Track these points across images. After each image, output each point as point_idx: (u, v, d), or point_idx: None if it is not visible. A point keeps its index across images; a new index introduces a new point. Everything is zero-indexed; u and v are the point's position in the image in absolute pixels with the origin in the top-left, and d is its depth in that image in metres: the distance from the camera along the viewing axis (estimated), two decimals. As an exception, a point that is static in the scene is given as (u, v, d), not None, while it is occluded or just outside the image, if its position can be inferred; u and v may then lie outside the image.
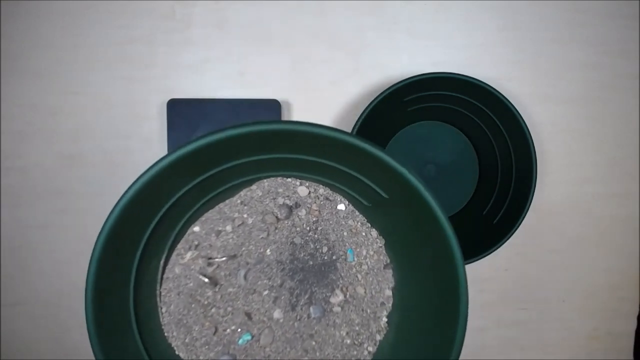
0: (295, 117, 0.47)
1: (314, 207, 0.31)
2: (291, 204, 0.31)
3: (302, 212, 0.31)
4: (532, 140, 0.42)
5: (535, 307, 0.49)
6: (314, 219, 0.31)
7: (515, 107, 0.41)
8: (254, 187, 0.31)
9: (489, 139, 0.46)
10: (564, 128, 0.48)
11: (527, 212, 0.42)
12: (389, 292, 0.30)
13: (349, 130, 0.42)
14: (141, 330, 0.27)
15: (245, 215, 0.30)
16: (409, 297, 0.29)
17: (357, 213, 0.31)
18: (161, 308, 0.29)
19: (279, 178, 0.31)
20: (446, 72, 0.41)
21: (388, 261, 0.31)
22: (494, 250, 0.41)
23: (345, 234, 0.31)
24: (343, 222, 0.31)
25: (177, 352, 0.28)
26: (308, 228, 0.31)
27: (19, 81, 0.45)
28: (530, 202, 0.42)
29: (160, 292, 0.29)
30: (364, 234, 0.31)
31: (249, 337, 0.29)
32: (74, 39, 0.45)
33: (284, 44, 0.46)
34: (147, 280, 0.28)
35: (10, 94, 0.45)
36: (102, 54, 0.45)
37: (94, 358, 0.48)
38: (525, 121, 0.42)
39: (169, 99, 0.44)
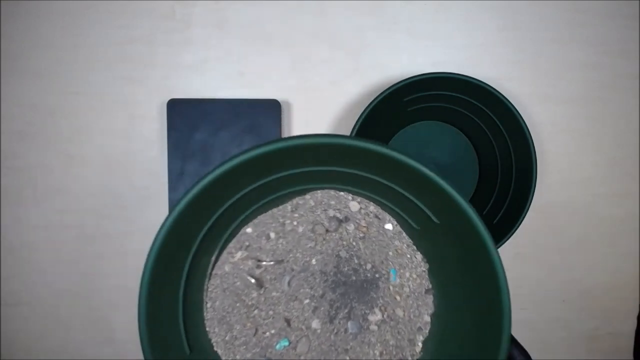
0: (295, 117, 0.47)
1: (363, 223, 0.31)
2: (341, 218, 0.31)
3: (351, 227, 0.31)
4: (532, 140, 0.42)
5: (535, 307, 0.49)
6: (361, 235, 0.31)
7: (515, 107, 0.41)
8: (307, 196, 0.31)
9: (489, 139, 0.46)
10: (564, 128, 0.48)
11: (527, 212, 0.42)
12: (427, 318, 0.30)
13: (349, 131, 0.42)
14: (186, 322, 0.27)
15: (295, 223, 0.31)
16: (447, 326, 0.29)
17: (404, 235, 0.31)
18: (207, 303, 0.29)
19: (332, 191, 0.31)
20: (446, 72, 0.41)
21: (430, 286, 0.30)
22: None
23: (390, 253, 0.31)
24: (389, 242, 0.31)
25: (215, 349, 0.29)
26: (354, 243, 0.31)
27: (19, 81, 0.45)
28: (530, 202, 0.42)
29: (208, 288, 0.29)
30: (408, 256, 0.31)
31: (287, 343, 0.29)
32: (74, 39, 0.45)
33: (284, 44, 0.46)
34: (198, 275, 0.28)
35: (10, 94, 0.45)
36: (102, 54, 0.45)
37: (93, 358, 0.48)
38: (525, 121, 0.42)
39: (169, 99, 0.44)
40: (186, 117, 0.44)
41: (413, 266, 0.31)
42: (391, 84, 0.41)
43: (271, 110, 0.44)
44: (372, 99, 0.41)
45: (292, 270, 0.30)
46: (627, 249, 0.50)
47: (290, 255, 0.30)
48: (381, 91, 0.41)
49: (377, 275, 0.30)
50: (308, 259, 0.30)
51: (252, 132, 0.44)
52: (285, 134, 0.47)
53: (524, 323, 0.49)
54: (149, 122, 0.46)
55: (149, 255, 0.24)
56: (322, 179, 0.29)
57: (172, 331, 0.26)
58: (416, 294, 0.30)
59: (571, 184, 0.49)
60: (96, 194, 0.46)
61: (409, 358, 0.29)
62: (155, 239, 0.24)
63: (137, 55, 0.45)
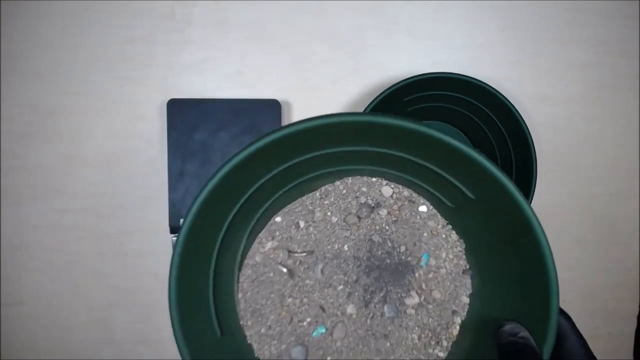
0: (295, 117, 0.47)
1: (395, 207, 0.30)
2: (373, 204, 0.30)
3: (383, 212, 0.30)
4: (532, 140, 0.42)
5: (535, 307, 0.49)
6: (394, 219, 0.30)
7: (515, 107, 0.41)
8: (337, 183, 0.30)
9: (489, 139, 0.46)
10: (564, 128, 0.48)
11: (527, 212, 0.42)
12: (465, 299, 0.29)
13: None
14: (217, 307, 0.27)
15: (326, 211, 0.30)
16: (486, 306, 0.28)
17: (439, 215, 0.30)
18: (238, 294, 0.29)
19: (364, 177, 0.30)
20: (446, 72, 0.41)
21: (467, 266, 0.30)
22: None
23: (425, 234, 0.30)
24: (423, 223, 0.30)
25: (249, 342, 0.28)
26: (387, 227, 0.30)
27: (19, 81, 0.45)
28: (530, 202, 0.42)
29: (239, 279, 0.29)
30: (444, 236, 0.30)
31: (324, 330, 0.29)
32: (74, 39, 0.45)
33: (284, 44, 0.46)
34: (227, 261, 0.28)
35: (10, 94, 0.45)
36: (102, 54, 0.45)
37: (93, 358, 0.48)
38: (525, 121, 0.42)
39: (169, 99, 0.44)
40: (186, 117, 0.44)
41: (449, 246, 0.30)
42: (391, 84, 0.41)
43: (271, 110, 0.44)
44: (372, 99, 0.41)
45: (325, 257, 0.30)
46: (627, 249, 0.50)
47: (322, 243, 0.30)
48: (381, 91, 0.41)
49: (410, 258, 0.30)
50: (340, 245, 0.30)
51: (252, 132, 0.44)
52: (285, 134, 0.47)
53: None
54: (149, 122, 0.46)
55: (175, 246, 0.23)
56: (353, 160, 0.28)
57: (203, 315, 0.26)
58: (453, 274, 0.30)
59: (571, 184, 0.49)
60: (96, 194, 0.46)
61: (445, 342, 0.29)
62: (188, 212, 0.23)
63: (137, 55, 0.45)
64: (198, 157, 0.44)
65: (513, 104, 0.41)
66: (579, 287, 0.49)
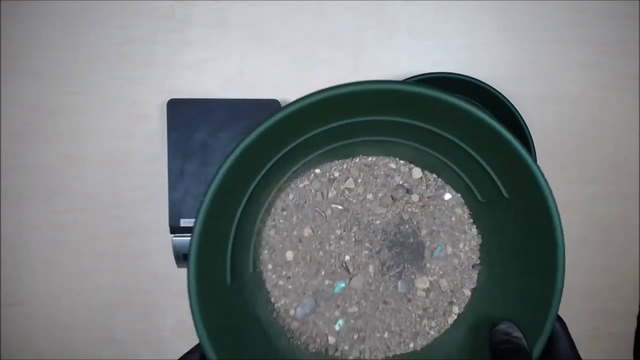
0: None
1: (426, 192, 0.31)
2: (408, 187, 0.31)
3: (416, 197, 0.31)
4: (532, 140, 0.42)
5: (535, 307, 0.49)
6: (421, 204, 0.31)
7: (515, 107, 0.42)
8: (370, 159, 0.31)
9: (489, 139, 0.46)
10: (564, 128, 0.48)
11: (527, 212, 0.42)
12: (467, 292, 0.30)
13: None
14: (235, 252, 0.27)
15: (363, 186, 0.31)
16: (486, 302, 0.29)
17: (466, 207, 0.30)
18: (262, 244, 0.29)
19: (392, 163, 0.31)
20: (446, 72, 0.41)
21: (478, 261, 0.30)
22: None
23: (447, 223, 0.31)
24: (450, 212, 0.31)
25: (268, 289, 0.29)
26: (416, 210, 0.31)
27: (19, 81, 0.45)
28: (530, 202, 0.42)
29: (263, 230, 0.29)
30: (466, 227, 0.31)
31: (343, 285, 0.30)
32: (74, 39, 0.45)
33: (284, 44, 0.46)
34: (253, 214, 0.28)
35: (10, 94, 0.45)
36: (102, 54, 0.45)
37: (93, 358, 0.48)
38: (525, 121, 0.42)
39: (169, 99, 0.44)
40: (186, 117, 0.44)
41: (467, 239, 0.31)
42: (391, 84, 0.41)
43: (271, 110, 0.44)
44: (372, 99, 0.41)
45: (359, 222, 0.30)
46: (627, 249, 0.50)
47: (356, 207, 0.31)
48: (381, 91, 0.41)
49: (429, 243, 0.31)
50: (372, 218, 0.31)
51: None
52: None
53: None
54: (149, 122, 0.46)
55: (216, 174, 0.23)
56: (395, 132, 0.28)
57: (219, 259, 0.26)
58: (463, 266, 0.30)
59: (571, 184, 0.49)
60: (96, 194, 0.46)
61: (433, 333, 0.30)
62: (230, 154, 0.23)
63: (137, 55, 0.46)
64: (198, 157, 0.44)
65: (513, 104, 0.41)
66: (579, 287, 0.49)
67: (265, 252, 0.30)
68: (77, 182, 0.46)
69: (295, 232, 0.30)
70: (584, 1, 0.47)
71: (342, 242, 0.30)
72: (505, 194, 0.27)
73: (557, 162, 0.48)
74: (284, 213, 0.30)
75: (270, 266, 0.29)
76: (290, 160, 0.27)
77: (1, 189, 0.45)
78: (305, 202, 0.30)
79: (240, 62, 0.46)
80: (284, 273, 0.30)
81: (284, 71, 0.47)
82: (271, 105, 0.44)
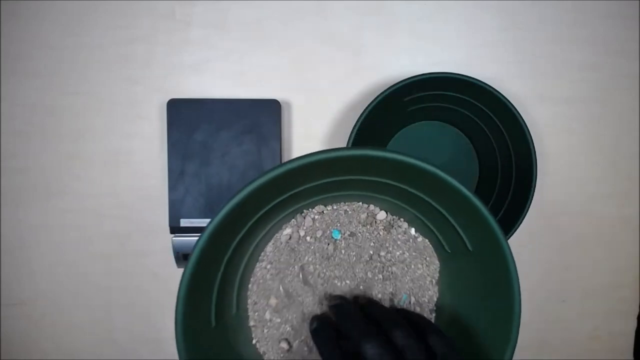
0: (295, 117, 0.47)
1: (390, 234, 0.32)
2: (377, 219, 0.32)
3: (382, 216, 0.32)
4: (532, 140, 0.42)
5: (535, 307, 0.49)
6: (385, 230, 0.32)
7: (515, 107, 0.41)
8: (337, 205, 0.32)
9: (489, 139, 0.46)
10: (564, 128, 0.48)
11: (527, 212, 0.42)
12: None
13: (348, 131, 0.42)
14: (217, 304, 0.28)
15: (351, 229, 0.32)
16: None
17: (436, 257, 0.32)
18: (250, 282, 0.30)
19: (359, 203, 0.32)
20: (446, 72, 0.41)
21: (434, 307, 0.32)
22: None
23: (417, 273, 0.32)
24: (419, 261, 0.32)
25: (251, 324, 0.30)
26: (381, 232, 0.32)
27: (19, 81, 0.45)
28: (530, 202, 0.42)
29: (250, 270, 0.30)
30: (430, 279, 0.32)
31: (338, 237, 0.31)
32: (74, 39, 0.45)
33: (284, 44, 0.46)
34: (235, 267, 0.29)
35: (10, 94, 0.45)
36: (102, 54, 0.45)
37: (93, 358, 0.48)
38: (525, 121, 0.42)
39: (169, 99, 0.44)
40: (186, 117, 0.44)
41: (431, 287, 0.32)
42: (391, 84, 0.41)
43: (271, 110, 0.44)
44: (372, 99, 0.41)
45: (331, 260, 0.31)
46: (627, 249, 0.50)
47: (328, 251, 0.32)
48: (381, 91, 0.41)
49: (397, 284, 0.32)
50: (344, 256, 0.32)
51: (252, 132, 0.44)
52: (285, 134, 0.47)
53: (523, 323, 0.49)
54: (149, 122, 0.46)
55: (207, 226, 0.24)
56: (371, 188, 0.29)
57: (205, 304, 0.27)
58: (426, 311, 0.32)
59: (571, 184, 0.49)
60: (96, 194, 0.46)
61: None
62: (210, 222, 0.24)
63: (137, 55, 0.45)
64: (198, 157, 0.44)
65: (513, 104, 0.41)
66: (579, 287, 0.49)
67: (249, 293, 0.30)
68: (77, 182, 0.46)
69: (278, 276, 0.30)
70: (584, 1, 0.47)
71: (319, 280, 0.31)
72: (470, 247, 0.29)
73: (557, 162, 0.48)
74: (268, 257, 0.31)
75: (252, 307, 0.30)
76: (275, 210, 0.28)
77: (1, 189, 0.45)
78: (284, 247, 0.31)
79: (240, 62, 0.46)
80: (266, 315, 0.30)
81: (284, 71, 0.46)
82: (271, 105, 0.44)
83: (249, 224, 0.27)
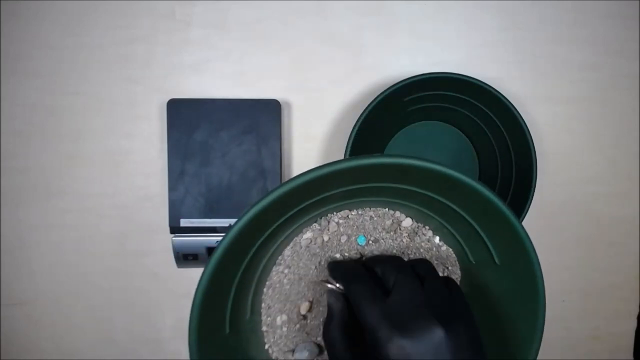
0: (295, 117, 0.47)
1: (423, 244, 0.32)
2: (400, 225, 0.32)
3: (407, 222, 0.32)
4: (532, 140, 0.42)
5: (535, 307, 0.49)
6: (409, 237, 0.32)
7: (515, 107, 0.41)
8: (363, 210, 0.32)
9: (489, 139, 0.46)
10: (564, 128, 0.48)
11: (527, 212, 0.42)
12: None
13: (349, 131, 0.42)
14: (233, 310, 0.27)
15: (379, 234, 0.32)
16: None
17: (458, 266, 0.32)
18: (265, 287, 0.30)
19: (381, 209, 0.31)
20: (446, 72, 0.41)
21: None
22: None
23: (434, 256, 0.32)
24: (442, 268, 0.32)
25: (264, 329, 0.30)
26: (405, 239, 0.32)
27: (19, 81, 0.45)
28: (530, 202, 0.42)
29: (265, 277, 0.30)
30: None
31: (363, 242, 0.31)
32: (74, 39, 0.45)
33: (284, 44, 0.46)
34: (250, 274, 0.29)
35: (10, 94, 0.45)
36: (102, 54, 0.45)
37: (93, 358, 0.48)
38: (525, 121, 0.42)
39: (169, 99, 0.44)
40: (186, 117, 0.44)
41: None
42: (391, 84, 0.41)
43: (271, 110, 0.44)
44: (372, 99, 0.41)
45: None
46: (627, 249, 0.50)
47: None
48: (381, 91, 0.41)
49: None
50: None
51: (252, 132, 0.44)
52: (285, 134, 0.47)
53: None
54: (149, 122, 0.46)
55: (225, 236, 0.24)
56: (397, 195, 0.29)
57: (219, 311, 0.27)
58: None
59: (571, 184, 0.49)
60: (96, 194, 0.46)
61: None
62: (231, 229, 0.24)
63: (137, 55, 0.45)
64: (198, 157, 0.44)
65: (513, 104, 0.41)
66: (579, 287, 0.49)
67: (263, 297, 0.30)
68: (77, 182, 0.46)
69: (295, 282, 0.30)
70: (584, 1, 0.47)
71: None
72: (497, 261, 0.28)
73: (557, 162, 0.48)
74: (286, 261, 0.30)
75: (265, 312, 0.30)
76: (300, 214, 0.28)
77: (1, 189, 0.45)
78: (304, 251, 0.30)
79: (240, 62, 0.46)
80: (280, 319, 0.30)
81: (284, 71, 0.46)
82: (271, 105, 0.44)
83: (271, 229, 0.26)
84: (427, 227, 0.31)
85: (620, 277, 0.50)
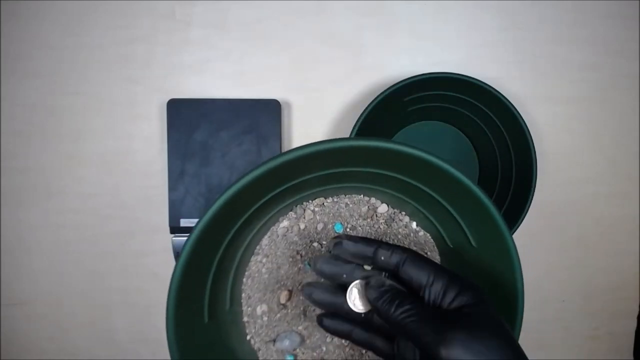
0: (295, 117, 0.47)
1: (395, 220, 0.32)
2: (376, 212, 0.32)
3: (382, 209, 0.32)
4: (532, 140, 0.42)
5: (535, 307, 0.49)
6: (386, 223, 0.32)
7: (515, 107, 0.41)
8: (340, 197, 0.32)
9: (489, 139, 0.46)
10: (564, 128, 0.48)
11: (527, 212, 0.42)
12: None
13: (349, 131, 0.42)
14: (211, 299, 0.27)
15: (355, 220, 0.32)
16: None
17: (434, 246, 0.32)
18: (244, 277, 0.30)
19: (360, 196, 0.31)
20: (446, 72, 0.41)
21: None
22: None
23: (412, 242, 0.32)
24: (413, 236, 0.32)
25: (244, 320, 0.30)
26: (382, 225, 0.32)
27: (19, 81, 0.45)
28: (530, 202, 0.42)
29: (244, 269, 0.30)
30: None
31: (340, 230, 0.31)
32: (74, 39, 0.45)
33: (284, 44, 0.46)
34: (229, 261, 0.29)
35: (10, 94, 0.45)
36: (102, 54, 0.45)
37: (93, 358, 0.48)
38: (525, 121, 0.42)
39: (169, 99, 0.44)
40: (186, 117, 0.44)
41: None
42: (391, 84, 0.41)
43: (271, 110, 0.44)
44: (372, 99, 0.41)
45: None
46: (627, 249, 0.50)
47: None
48: (381, 91, 0.41)
49: None
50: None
51: (252, 132, 0.44)
52: (285, 134, 0.47)
53: (523, 323, 0.49)
54: (149, 122, 0.46)
55: (200, 220, 0.24)
56: (371, 180, 0.29)
57: (198, 300, 0.27)
58: None
59: (571, 184, 0.49)
60: (96, 194, 0.46)
61: None
62: (204, 214, 0.24)
63: (137, 55, 0.45)
64: (198, 157, 0.44)
65: (513, 104, 0.41)
66: (579, 287, 0.49)
67: (243, 287, 0.30)
68: (77, 182, 0.46)
69: (274, 270, 0.30)
70: (584, 1, 0.47)
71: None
72: (473, 243, 0.28)
73: (557, 162, 0.48)
74: (264, 250, 0.30)
75: (245, 302, 0.30)
76: (273, 202, 0.28)
77: (1, 189, 0.45)
78: (281, 240, 0.30)
79: (240, 62, 0.46)
80: (260, 309, 0.30)
81: (284, 71, 0.46)
82: (271, 105, 0.44)
83: (246, 215, 0.26)
84: (403, 213, 0.31)
85: (620, 277, 0.50)
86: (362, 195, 0.31)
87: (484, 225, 0.26)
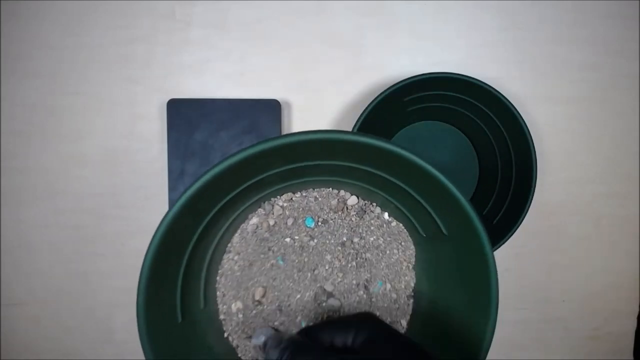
0: (295, 117, 0.47)
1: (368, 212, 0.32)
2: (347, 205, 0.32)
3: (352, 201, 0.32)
4: (532, 140, 0.42)
5: (535, 307, 0.49)
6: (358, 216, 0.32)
7: (515, 107, 0.41)
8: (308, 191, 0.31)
9: (489, 139, 0.46)
10: (564, 128, 0.48)
11: (527, 212, 0.42)
12: (404, 322, 0.31)
13: (349, 130, 0.42)
14: (183, 298, 0.27)
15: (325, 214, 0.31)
16: (428, 328, 0.30)
17: (411, 243, 0.32)
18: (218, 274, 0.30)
19: (329, 189, 0.31)
20: (446, 72, 0.41)
21: (412, 293, 0.31)
22: (494, 251, 0.41)
23: (392, 259, 0.31)
24: (395, 246, 0.32)
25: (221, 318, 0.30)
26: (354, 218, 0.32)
27: (19, 81, 0.45)
28: (530, 202, 0.42)
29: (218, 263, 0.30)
30: (407, 264, 0.32)
31: (312, 224, 0.31)
32: (74, 39, 0.45)
33: (284, 44, 0.46)
34: (199, 258, 0.29)
35: (10, 94, 0.45)
36: (102, 54, 0.45)
37: (93, 358, 0.48)
38: (525, 121, 0.42)
39: (169, 99, 0.44)
40: (186, 117, 0.44)
41: (407, 274, 0.32)
42: (391, 84, 0.41)
43: (271, 110, 0.44)
44: (372, 99, 0.41)
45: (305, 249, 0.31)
46: (627, 249, 0.50)
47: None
48: (381, 91, 0.41)
49: (373, 270, 0.31)
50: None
51: (252, 132, 0.44)
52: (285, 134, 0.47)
53: (524, 323, 0.49)
54: (149, 122, 0.46)
55: (165, 217, 0.24)
56: (341, 173, 0.29)
57: (169, 299, 0.27)
58: (402, 299, 0.31)
59: (571, 184, 0.49)
60: (96, 194, 0.46)
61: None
62: (175, 203, 0.24)
63: (137, 55, 0.45)
64: (198, 157, 0.44)
65: (513, 104, 0.41)
66: (579, 287, 0.49)
67: (217, 286, 0.30)
68: (77, 182, 0.46)
69: (246, 268, 0.30)
70: (584, 1, 0.47)
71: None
72: (444, 231, 0.28)
73: (557, 162, 0.48)
74: (235, 248, 0.30)
75: (220, 300, 0.30)
76: (240, 199, 0.28)
77: (1, 189, 0.45)
78: (252, 237, 0.30)
79: (240, 62, 0.46)
80: (235, 306, 0.30)
81: (284, 71, 0.46)
82: (271, 105, 0.44)
83: (211, 214, 0.26)
84: (374, 204, 0.31)
85: (620, 277, 0.50)
86: (330, 189, 0.31)
87: (452, 212, 0.26)
